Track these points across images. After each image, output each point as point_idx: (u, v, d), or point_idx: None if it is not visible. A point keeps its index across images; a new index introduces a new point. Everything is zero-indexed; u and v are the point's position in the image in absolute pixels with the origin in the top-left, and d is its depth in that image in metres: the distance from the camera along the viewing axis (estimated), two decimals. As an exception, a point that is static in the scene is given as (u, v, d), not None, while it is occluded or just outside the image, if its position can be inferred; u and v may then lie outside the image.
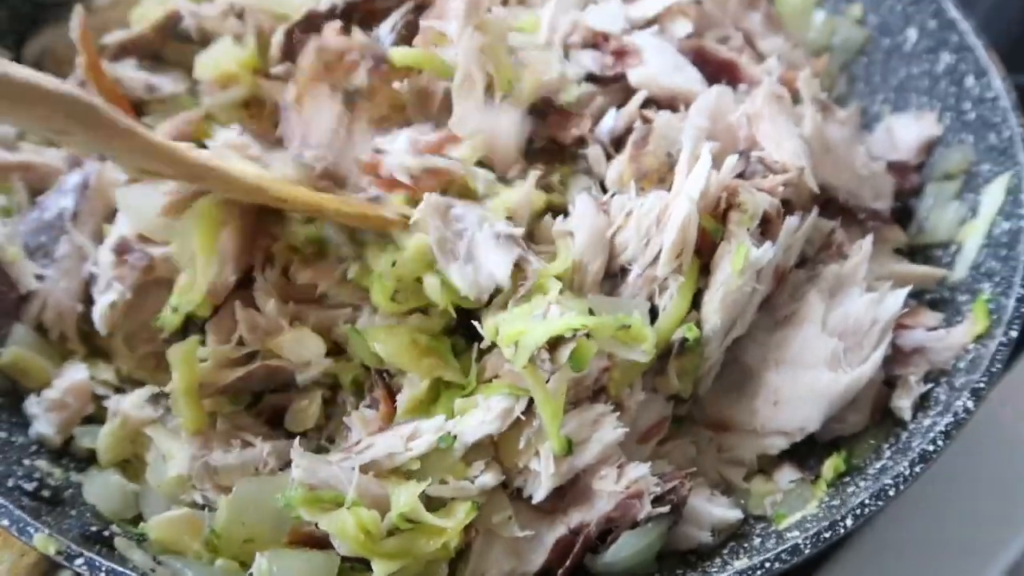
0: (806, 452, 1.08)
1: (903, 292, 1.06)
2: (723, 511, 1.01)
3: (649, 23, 1.28)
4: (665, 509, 0.93)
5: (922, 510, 1.23)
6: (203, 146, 1.06)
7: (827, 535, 0.91)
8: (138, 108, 1.26)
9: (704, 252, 1.02)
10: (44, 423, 1.06)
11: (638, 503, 0.92)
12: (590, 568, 0.97)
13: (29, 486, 0.99)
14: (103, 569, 0.88)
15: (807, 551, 0.90)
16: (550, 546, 0.95)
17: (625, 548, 0.93)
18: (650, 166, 1.07)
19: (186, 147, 0.96)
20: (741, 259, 0.98)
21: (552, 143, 1.14)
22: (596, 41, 1.22)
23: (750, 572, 0.89)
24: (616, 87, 1.18)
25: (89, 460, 1.08)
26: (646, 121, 1.12)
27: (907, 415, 1.05)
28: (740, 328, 1.03)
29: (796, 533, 0.94)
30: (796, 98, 1.21)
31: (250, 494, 0.95)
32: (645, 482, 0.94)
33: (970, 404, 0.97)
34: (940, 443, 0.96)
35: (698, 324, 1.00)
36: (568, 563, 0.93)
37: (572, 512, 0.96)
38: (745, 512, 1.03)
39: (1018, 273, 1.07)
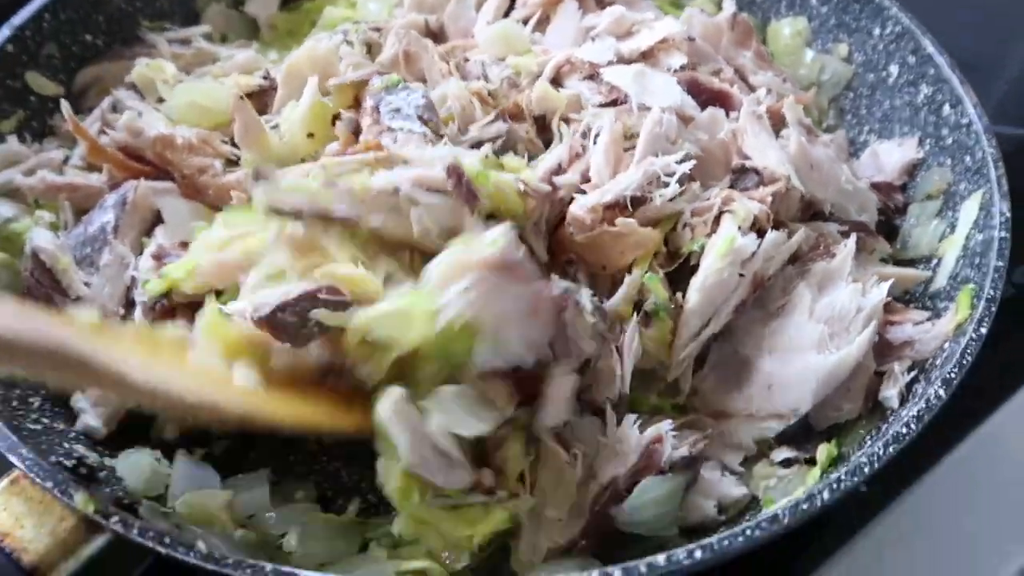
0: (803, 439, 1.20)
1: (886, 284, 1.21)
2: (730, 487, 1.14)
3: (643, 56, 1.44)
4: (684, 451, 1.08)
5: (936, 508, 1.31)
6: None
7: (805, 506, 0.99)
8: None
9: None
10: (92, 416, 1.20)
11: (659, 447, 1.08)
12: (616, 520, 1.09)
13: (68, 463, 1.11)
14: (135, 526, 0.98)
15: (786, 520, 0.98)
16: (587, 508, 1.10)
17: (648, 491, 1.07)
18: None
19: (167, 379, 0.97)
20: (727, 245, 1.14)
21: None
22: (592, 72, 1.38)
23: (732, 538, 0.96)
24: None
25: (121, 446, 1.20)
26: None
27: (894, 403, 1.17)
28: (715, 324, 1.17)
29: (777, 509, 1.02)
30: (784, 124, 1.38)
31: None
32: (664, 428, 1.09)
33: (941, 392, 1.09)
34: (912, 426, 1.06)
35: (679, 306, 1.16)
36: (597, 508, 1.08)
37: (601, 471, 1.10)
38: (748, 492, 1.16)
39: (988, 277, 1.21)
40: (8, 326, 0.80)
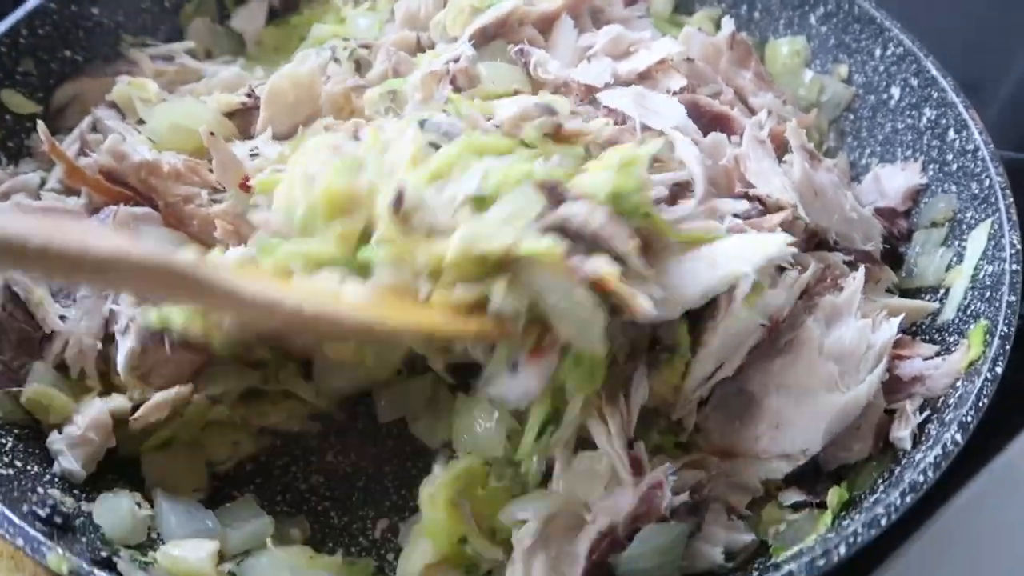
0: (812, 481, 1.16)
1: (896, 320, 1.17)
2: (738, 533, 1.10)
3: (640, 77, 1.41)
4: (685, 497, 1.03)
5: (949, 547, 1.25)
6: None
7: (821, 563, 0.96)
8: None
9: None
10: (69, 460, 1.14)
11: (659, 492, 1.02)
12: (617, 569, 1.04)
13: (43, 512, 1.05)
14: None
15: (801, 576, 0.95)
16: (584, 555, 1.03)
17: (649, 539, 1.02)
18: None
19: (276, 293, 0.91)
20: (757, 295, 1.08)
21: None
22: (588, 96, 1.34)
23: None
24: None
25: (99, 488, 1.15)
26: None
27: (907, 445, 1.13)
28: (728, 368, 1.13)
29: (792, 565, 0.99)
30: (786, 148, 1.34)
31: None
32: (663, 472, 1.04)
33: (958, 437, 1.06)
34: (929, 474, 1.03)
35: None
36: (594, 557, 1.02)
37: (599, 515, 1.04)
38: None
39: (1001, 313, 1.17)
40: (120, 248, 0.75)
